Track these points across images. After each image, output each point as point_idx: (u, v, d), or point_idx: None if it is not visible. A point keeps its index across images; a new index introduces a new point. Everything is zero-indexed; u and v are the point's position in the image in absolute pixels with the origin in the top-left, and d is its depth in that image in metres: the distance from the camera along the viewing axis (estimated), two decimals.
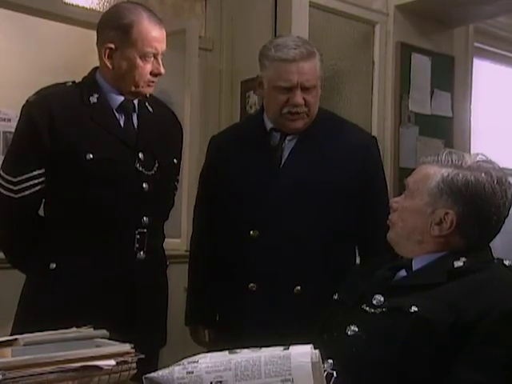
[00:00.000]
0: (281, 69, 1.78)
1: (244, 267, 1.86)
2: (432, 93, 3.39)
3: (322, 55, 1.87)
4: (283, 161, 1.86)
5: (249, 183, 1.85)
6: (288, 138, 1.87)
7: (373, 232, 1.86)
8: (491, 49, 4.15)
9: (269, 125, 1.90)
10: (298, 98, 1.79)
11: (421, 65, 3.34)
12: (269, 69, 1.81)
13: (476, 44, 3.81)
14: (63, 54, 3.78)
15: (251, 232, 1.83)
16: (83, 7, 2.98)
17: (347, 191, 1.85)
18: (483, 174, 1.35)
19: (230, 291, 1.90)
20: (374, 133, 3.17)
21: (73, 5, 2.95)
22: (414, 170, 3.47)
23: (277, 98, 1.81)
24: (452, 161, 1.38)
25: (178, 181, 1.99)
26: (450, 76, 3.48)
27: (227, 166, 1.91)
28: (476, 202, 1.35)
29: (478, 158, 1.39)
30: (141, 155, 1.76)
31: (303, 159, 1.86)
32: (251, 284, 1.83)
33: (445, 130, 3.45)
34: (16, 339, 1.09)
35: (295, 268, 1.82)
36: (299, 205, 1.83)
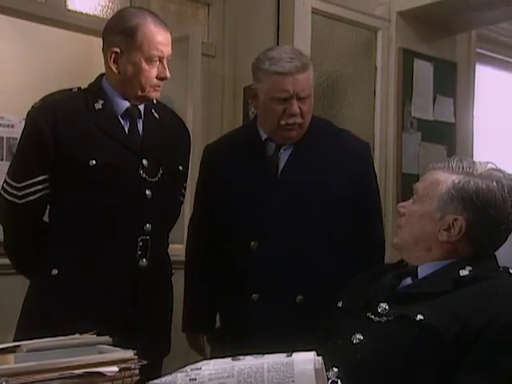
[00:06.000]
0: (277, 81, 1.79)
1: (245, 278, 1.85)
2: (434, 99, 3.38)
3: (314, 65, 1.88)
4: (280, 171, 1.87)
5: (247, 195, 1.86)
6: (283, 147, 1.88)
7: (369, 239, 1.92)
8: (493, 55, 4.15)
9: (263, 135, 1.91)
10: (295, 107, 1.80)
11: (423, 71, 3.34)
12: (264, 81, 1.82)
13: (478, 50, 3.82)
14: (66, 60, 3.80)
15: (251, 243, 1.83)
16: (86, 14, 3.00)
17: (344, 199, 1.86)
18: (494, 183, 1.35)
19: (231, 302, 1.90)
20: (377, 138, 3.17)
21: (76, 12, 2.96)
22: (416, 175, 3.47)
23: (274, 109, 1.82)
24: (463, 168, 1.38)
25: (185, 188, 1.99)
26: (452, 82, 3.49)
27: (224, 177, 1.91)
28: (486, 210, 1.35)
29: (488, 166, 1.39)
30: (145, 162, 1.76)
31: (300, 169, 1.87)
32: (253, 295, 1.84)
33: (447, 136, 3.45)
34: (19, 346, 1.09)
35: (296, 277, 1.82)
36: (297, 214, 1.83)
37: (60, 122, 1.71)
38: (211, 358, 1.08)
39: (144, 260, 1.76)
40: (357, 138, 2.05)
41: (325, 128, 1.97)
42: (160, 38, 1.74)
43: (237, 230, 1.88)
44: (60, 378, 1.02)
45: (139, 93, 1.76)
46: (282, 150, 1.89)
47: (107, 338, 1.19)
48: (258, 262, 1.83)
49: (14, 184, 1.74)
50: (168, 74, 1.77)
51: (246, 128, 2.02)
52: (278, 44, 3.02)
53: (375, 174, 2.04)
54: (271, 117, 1.84)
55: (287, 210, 1.84)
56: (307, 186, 1.84)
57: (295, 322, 1.79)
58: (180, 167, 1.89)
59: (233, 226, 1.89)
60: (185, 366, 1.05)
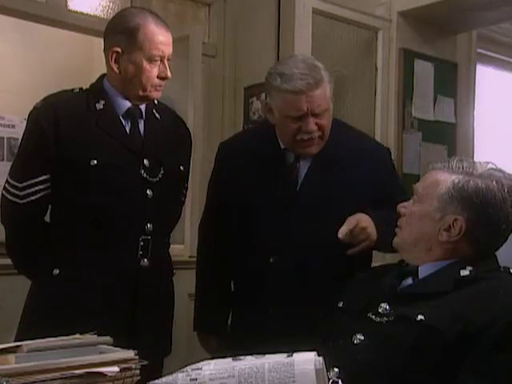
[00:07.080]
0: (290, 100, 1.72)
1: (262, 292, 1.82)
2: (435, 99, 3.39)
3: (330, 74, 1.78)
4: (300, 182, 1.82)
5: (266, 206, 1.82)
6: (302, 157, 1.82)
7: None
8: (494, 55, 4.16)
9: (282, 144, 1.85)
10: (311, 125, 1.73)
11: (424, 71, 3.34)
12: (277, 99, 1.76)
13: (479, 50, 3.82)
14: (67, 60, 3.80)
15: (270, 258, 1.80)
16: (87, 14, 3.00)
17: (365, 209, 1.77)
18: (494, 182, 1.35)
19: (246, 314, 1.87)
20: (377, 139, 3.17)
21: (77, 12, 2.97)
22: (417, 175, 3.46)
23: (289, 127, 1.75)
24: (463, 168, 1.38)
25: (186, 189, 1.98)
26: (453, 82, 3.49)
27: (241, 183, 1.87)
28: (486, 210, 1.35)
29: (488, 166, 1.39)
30: (146, 162, 1.77)
31: (319, 182, 1.81)
32: (270, 308, 1.80)
33: (448, 136, 3.45)
34: (20, 346, 1.09)
35: (316, 292, 1.77)
36: (317, 228, 1.77)
37: (61, 123, 1.72)
38: (212, 358, 1.08)
39: (145, 260, 1.76)
40: (377, 142, 1.97)
41: (342, 132, 1.87)
42: (161, 38, 1.74)
43: (256, 244, 1.84)
44: (61, 378, 1.02)
45: (140, 92, 1.76)
46: (301, 161, 1.82)
47: (108, 338, 1.19)
48: (277, 276, 1.80)
49: (16, 184, 1.74)
50: (169, 74, 1.77)
51: (263, 132, 1.93)
52: (278, 44, 3.02)
53: (398, 177, 1.95)
54: (287, 133, 1.78)
55: (307, 224, 1.79)
56: (327, 200, 1.79)
57: (314, 335, 1.69)
58: (181, 167, 1.89)
59: (252, 239, 1.85)
60: (185, 366, 1.05)
